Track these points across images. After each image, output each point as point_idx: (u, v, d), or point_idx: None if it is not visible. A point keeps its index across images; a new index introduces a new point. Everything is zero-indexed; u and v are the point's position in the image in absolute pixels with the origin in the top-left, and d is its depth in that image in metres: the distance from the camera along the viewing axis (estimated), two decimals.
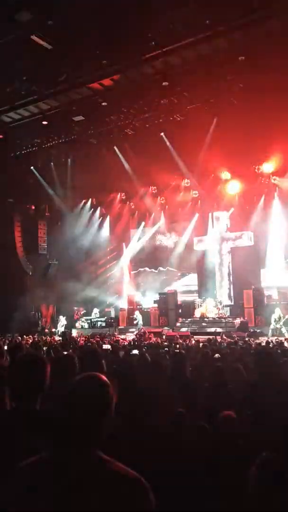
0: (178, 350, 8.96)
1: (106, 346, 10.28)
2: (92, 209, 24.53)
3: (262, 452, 2.96)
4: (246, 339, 13.49)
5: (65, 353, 5.57)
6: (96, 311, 22.65)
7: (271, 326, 16.52)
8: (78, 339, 15.36)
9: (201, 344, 10.45)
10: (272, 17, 11.08)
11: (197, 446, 3.13)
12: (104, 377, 1.61)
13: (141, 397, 3.64)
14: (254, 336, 14.74)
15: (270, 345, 10.43)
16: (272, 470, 2.75)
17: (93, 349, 5.33)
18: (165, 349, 9.82)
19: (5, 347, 5.67)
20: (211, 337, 13.45)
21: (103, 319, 22.07)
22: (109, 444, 1.66)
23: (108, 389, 1.58)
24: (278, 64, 12.57)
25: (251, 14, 10.94)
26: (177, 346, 10.80)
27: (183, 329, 18.96)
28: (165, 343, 12.12)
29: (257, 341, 12.62)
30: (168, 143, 18.00)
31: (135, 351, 8.31)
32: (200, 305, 20.30)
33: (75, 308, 22.41)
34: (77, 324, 21.68)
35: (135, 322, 20.39)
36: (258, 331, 16.42)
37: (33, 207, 22.62)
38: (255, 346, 10.26)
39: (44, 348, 10.08)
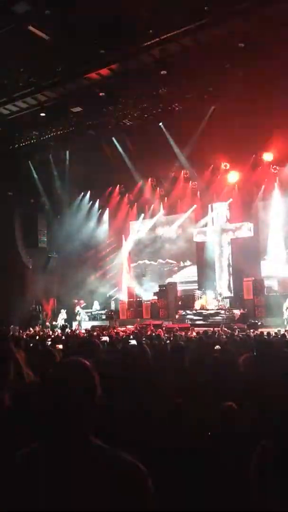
0: (178, 342, 8.96)
1: (105, 338, 10.28)
2: (91, 202, 24.44)
3: (265, 444, 2.93)
4: (250, 330, 13.51)
5: None
6: (96, 303, 22.67)
7: (285, 316, 16.39)
8: (78, 332, 15.41)
9: (198, 337, 10.43)
10: (272, 3, 10.93)
11: (197, 437, 3.11)
12: (87, 362, 1.60)
13: (140, 387, 3.62)
14: (254, 327, 14.73)
15: (271, 336, 10.42)
16: (272, 458, 2.72)
17: (91, 341, 5.30)
18: (167, 341, 9.82)
19: None
20: (210, 328, 13.46)
21: (103, 311, 22.11)
22: (108, 432, 1.63)
23: (92, 372, 1.57)
24: (278, 51, 12.44)
25: (250, 1, 10.78)
26: (177, 338, 10.79)
27: (183, 321, 18.99)
28: (165, 335, 12.12)
29: (257, 332, 12.62)
30: (166, 133, 17.87)
31: (133, 342, 8.31)
32: (200, 297, 20.30)
33: (75, 301, 22.44)
34: (78, 317, 21.73)
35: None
36: (258, 322, 16.39)
37: (32, 200, 22.54)
38: (254, 337, 10.25)
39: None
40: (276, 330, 12.87)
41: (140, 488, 1.41)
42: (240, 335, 11.03)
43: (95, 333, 13.40)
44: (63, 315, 21.25)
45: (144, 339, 10.24)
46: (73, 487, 1.39)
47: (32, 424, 1.99)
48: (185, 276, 23.32)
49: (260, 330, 13.95)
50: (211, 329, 13.18)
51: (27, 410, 2.27)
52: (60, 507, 1.37)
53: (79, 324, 20.51)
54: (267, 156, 19.34)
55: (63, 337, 11.85)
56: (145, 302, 21.74)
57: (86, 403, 1.51)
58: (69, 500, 1.38)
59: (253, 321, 16.63)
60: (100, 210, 24.63)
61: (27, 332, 16.19)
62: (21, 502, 1.40)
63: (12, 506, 1.41)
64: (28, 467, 1.46)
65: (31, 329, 17.96)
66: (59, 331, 17.17)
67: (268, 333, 11.49)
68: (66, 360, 1.66)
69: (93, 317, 22.06)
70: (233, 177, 20.72)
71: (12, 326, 16.78)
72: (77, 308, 21.46)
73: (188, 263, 23.52)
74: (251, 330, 13.17)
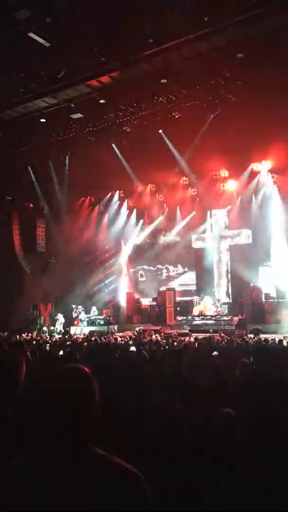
0: (176, 348, 8.98)
1: None
2: (91, 207, 24.49)
3: (261, 451, 2.97)
4: (250, 335, 13.49)
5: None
6: (94, 309, 22.65)
7: None
8: (76, 337, 15.38)
9: (197, 343, 10.46)
10: (271, 14, 11.05)
11: (195, 443, 3.13)
12: (86, 369, 1.61)
13: (139, 393, 3.65)
14: (255, 333, 14.69)
15: (269, 343, 10.45)
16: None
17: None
18: (166, 347, 9.83)
19: None
20: (208, 335, 13.47)
21: (101, 317, 22.09)
22: (107, 439, 1.65)
23: (91, 379, 1.58)
24: (276, 62, 12.57)
25: (249, 11, 10.90)
26: (175, 343, 10.80)
27: (181, 327, 18.99)
28: (163, 341, 12.12)
29: (256, 338, 12.62)
30: (166, 141, 17.98)
31: (132, 348, 8.31)
32: (198, 303, 20.33)
33: (74, 306, 22.40)
34: (76, 322, 21.68)
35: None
36: (260, 328, 16.34)
37: (32, 205, 22.57)
38: (253, 344, 10.28)
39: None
40: (273, 336, 12.89)
41: (138, 495, 1.42)
42: (238, 341, 11.06)
43: (93, 339, 13.39)
44: (60, 320, 21.20)
45: (144, 345, 10.25)
46: (71, 494, 1.40)
47: (32, 431, 2.00)
48: (183, 282, 23.36)
49: (261, 336, 13.92)
50: (210, 335, 13.19)
51: (28, 417, 2.28)
52: None
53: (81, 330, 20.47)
54: (266, 164, 19.49)
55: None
56: (144, 308, 21.74)
57: (85, 409, 1.52)
58: (68, 506, 1.38)
59: (255, 327, 16.57)
60: (100, 215, 24.68)
61: (25, 337, 16.14)
62: (20, 508, 1.41)
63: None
64: (27, 474, 1.47)
65: (29, 334, 17.89)
66: (57, 336, 17.13)
67: (266, 340, 11.52)
68: (66, 366, 1.66)
69: (91, 322, 22.01)
70: (232, 184, 20.86)
71: (6, 332, 16.71)
72: (82, 314, 21.40)
73: (186, 269, 23.56)
74: (252, 336, 13.17)
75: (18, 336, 15.80)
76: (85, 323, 21.43)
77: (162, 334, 16.02)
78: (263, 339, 11.91)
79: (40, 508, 1.40)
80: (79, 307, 22.34)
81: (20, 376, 2.18)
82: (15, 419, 2.08)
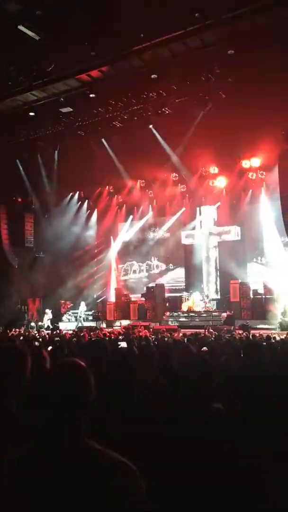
0: (165, 343, 9.02)
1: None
2: (80, 202, 24.38)
3: (251, 446, 3.01)
4: (239, 331, 13.58)
5: None
6: (83, 304, 22.60)
7: (279, 320, 16.45)
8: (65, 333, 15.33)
9: (186, 338, 10.51)
10: (262, 11, 11.09)
11: (185, 438, 3.15)
12: (82, 363, 1.61)
13: (132, 387, 3.66)
14: (245, 329, 14.80)
15: (256, 338, 10.55)
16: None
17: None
18: (155, 342, 9.86)
19: None
20: (197, 330, 13.55)
21: (90, 312, 22.05)
22: (100, 432, 1.66)
23: (88, 374, 1.58)
24: (267, 59, 12.61)
25: (241, 8, 10.92)
26: (164, 339, 10.84)
27: (170, 323, 19.07)
28: (153, 337, 12.16)
29: (244, 334, 12.72)
30: (157, 136, 17.95)
31: (123, 344, 8.32)
32: (187, 299, 20.42)
33: (62, 301, 22.33)
34: (64, 318, 21.63)
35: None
36: (248, 323, 16.45)
37: (20, 200, 22.38)
38: (240, 339, 10.37)
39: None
40: (261, 332, 13.00)
41: (133, 489, 1.43)
42: (227, 337, 11.15)
43: (82, 334, 13.37)
44: (48, 315, 21.11)
45: (133, 340, 10.26)
46: (66, 489, 1.40)
47: (27, 426, 1.99)
48: (172, 278, 23.42)
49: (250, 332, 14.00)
50: (198, 330, 13.28)
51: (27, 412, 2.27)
52: (53, 509, 1.39)
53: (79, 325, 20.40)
54: (255, 161, 19.58)
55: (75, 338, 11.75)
56: (133, 303, 21.77)
57: (81, 404, 1.52)
58: (64, 500, 1.39)
59: (244, 323, 16.68)
60: (89, 210, 24.58)
61: (12, 332, 16.04)
62: (14, 505, 1.41)
63: (4, 508, 1.42)
64: (22, 468, 1.47)
65: (16, 329, 17.79)
66: (45, 331, 17.07)
67: (254, 335, 11.63)
68: (62, 361, 1.66)
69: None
70: (221, 181, 20.94)
71: None
72: (81, 308, 21.33)
73: (176, 265, 23.63)
74: (243, 332, 13.26)
75: (4, 331, 15.71)
76: (72, 318, 21.39)
77: (151, 329, 16.06)
78: (251, 335, 12.01)
79: (35, 502, 1.39)
80: (67, 302, 22.30)
81: (27, 369, 2.16)
82: (19, 414, 2.07)
